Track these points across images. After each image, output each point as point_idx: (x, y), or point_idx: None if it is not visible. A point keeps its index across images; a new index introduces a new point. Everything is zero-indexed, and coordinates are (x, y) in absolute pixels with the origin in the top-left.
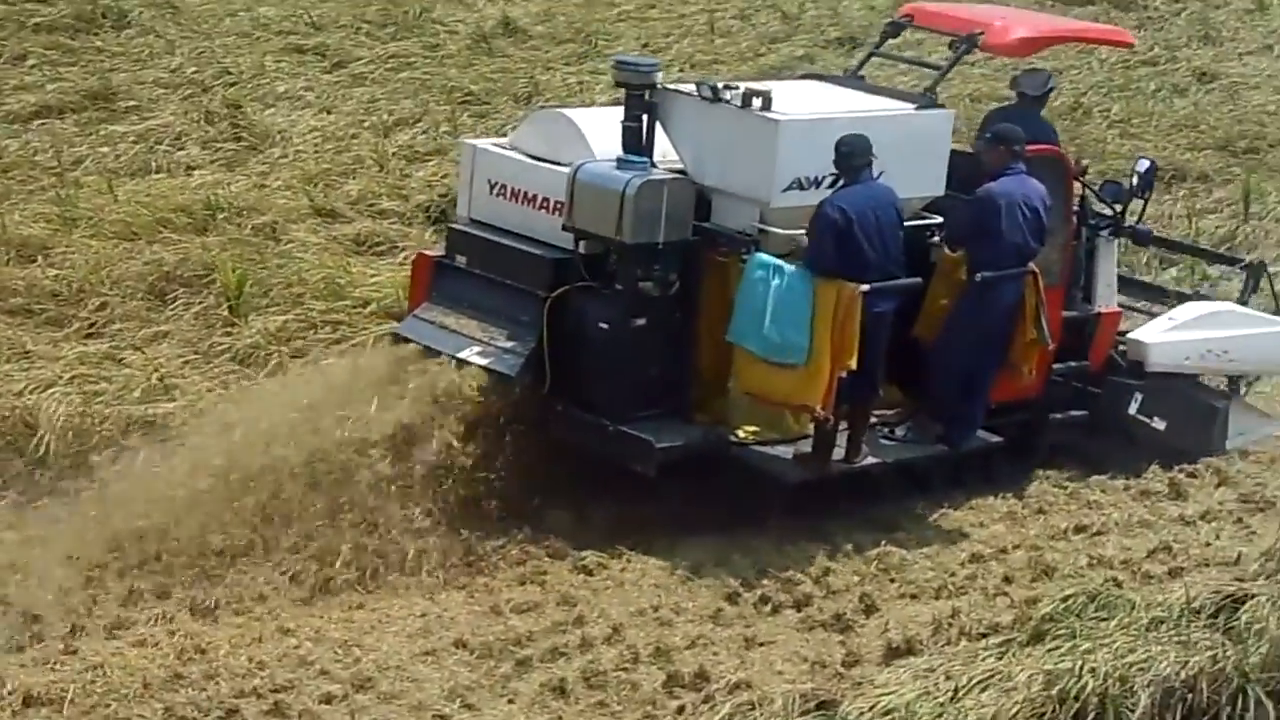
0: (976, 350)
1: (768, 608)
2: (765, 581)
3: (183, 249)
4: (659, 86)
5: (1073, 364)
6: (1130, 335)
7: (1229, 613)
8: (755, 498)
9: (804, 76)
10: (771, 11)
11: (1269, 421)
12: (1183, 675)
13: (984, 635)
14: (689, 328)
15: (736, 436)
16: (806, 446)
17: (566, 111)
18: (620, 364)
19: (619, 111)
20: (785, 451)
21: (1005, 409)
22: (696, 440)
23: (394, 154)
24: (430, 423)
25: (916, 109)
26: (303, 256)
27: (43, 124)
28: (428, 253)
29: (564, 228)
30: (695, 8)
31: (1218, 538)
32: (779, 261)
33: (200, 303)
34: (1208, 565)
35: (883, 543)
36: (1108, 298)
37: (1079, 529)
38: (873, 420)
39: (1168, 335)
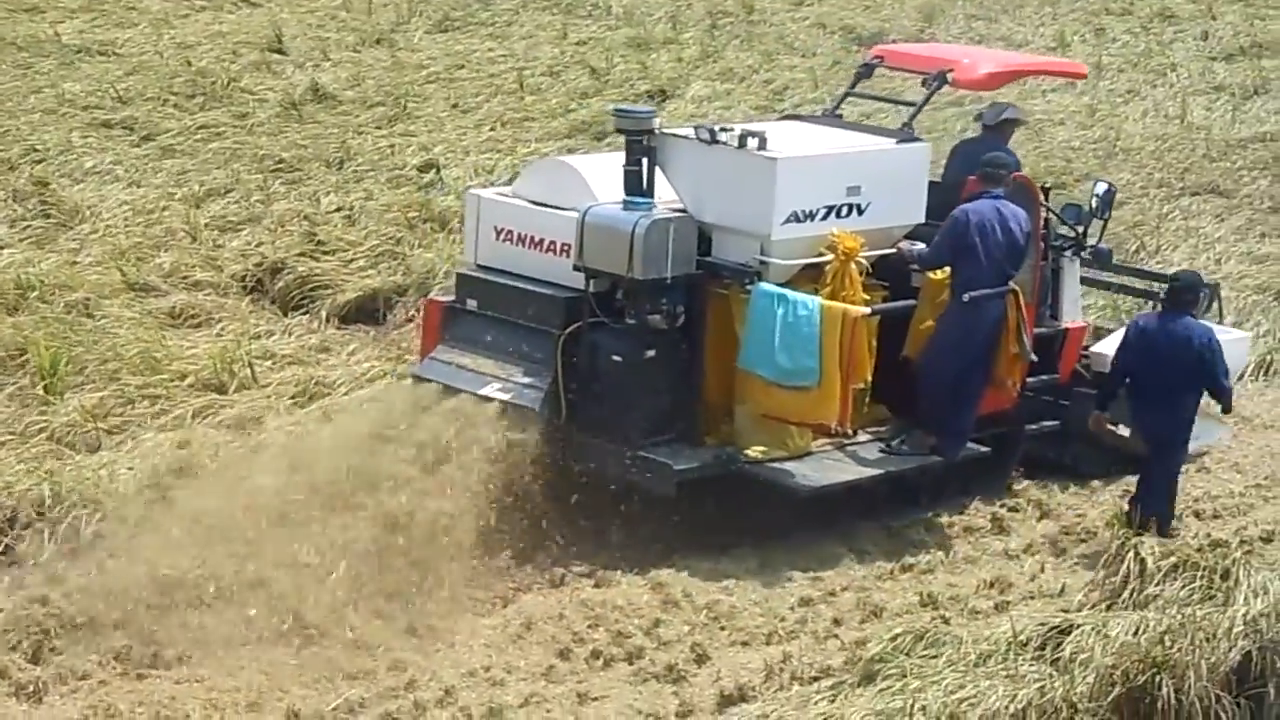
0: (963, 365)
1: (599, 662)
2: (597, 635)
3: None
4: (658, 132)
5: (1043, 377)
6: (1094, 348)
7: (1055, 644)
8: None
9: (785, 117)
10: (580, 68)
11: (1220, 427)
12: (1012, 708)
13: (816, 679)
14: (695, 356)
15: (747, 456)
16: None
17: (567, 159)
18: (634, 393)
19: (616, 156)
20: (795, 468)
21: (986, 422)
22: (711, 461)
23: (206, 225)
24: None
25: (897, 143)
26: (117, 332)
27: None
28: (438, 298)
29: (575, 267)
30: (504, 66)
31: (1042, 570)
32: (782, 290)
33: (14, 383)
34: (1033, 598)
35: (713, 590)
36: (1073, 313)
37: (905, 568)
38: (866, 437)
39: None
